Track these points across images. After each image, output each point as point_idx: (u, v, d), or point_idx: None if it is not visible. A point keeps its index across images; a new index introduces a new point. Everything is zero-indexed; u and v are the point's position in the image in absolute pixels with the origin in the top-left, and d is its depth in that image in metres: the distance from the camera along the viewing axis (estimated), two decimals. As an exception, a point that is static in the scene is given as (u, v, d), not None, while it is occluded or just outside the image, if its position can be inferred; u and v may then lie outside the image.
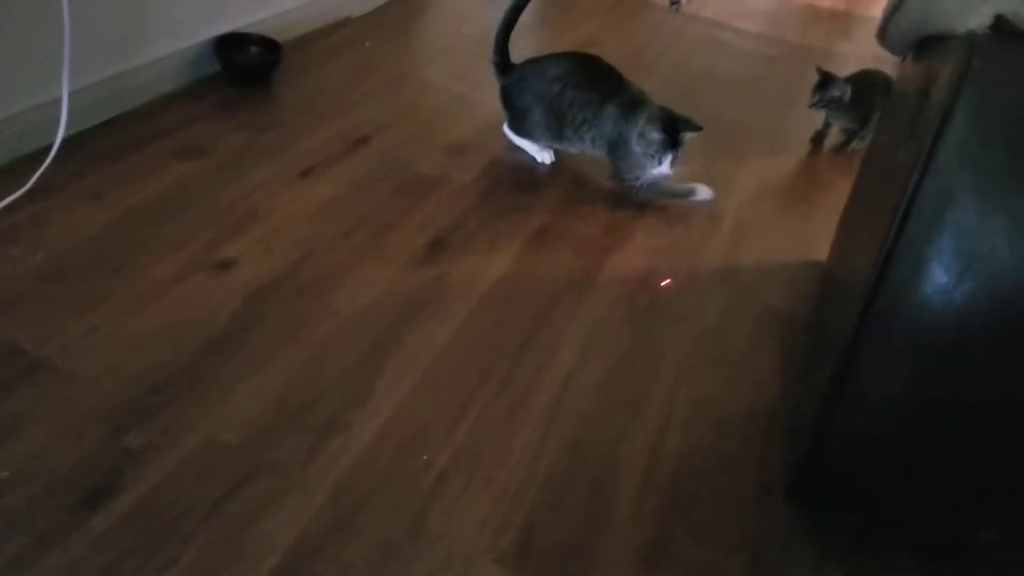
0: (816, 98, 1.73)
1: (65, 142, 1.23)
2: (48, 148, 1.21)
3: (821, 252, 1.40)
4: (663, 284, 1.30)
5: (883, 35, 0.97)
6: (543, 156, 1.54)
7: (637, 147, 1.41)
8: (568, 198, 1.48)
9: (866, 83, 1.76)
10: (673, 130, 1.39)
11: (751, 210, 1.57)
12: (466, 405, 1.00)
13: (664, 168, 1.42)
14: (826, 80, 1.73)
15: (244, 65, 1.58)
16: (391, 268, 1.20)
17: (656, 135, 1.38)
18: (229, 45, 1.57)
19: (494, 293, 1.20)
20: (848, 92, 1.72)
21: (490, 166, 1.52)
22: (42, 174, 1.19)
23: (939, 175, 0.63)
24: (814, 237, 1.52)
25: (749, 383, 1.14)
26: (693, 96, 2.03)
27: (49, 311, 1.01)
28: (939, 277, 0.63)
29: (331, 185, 1.36)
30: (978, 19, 0.71)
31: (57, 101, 1.21)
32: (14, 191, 1.15)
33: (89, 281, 1.07)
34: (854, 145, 1.82)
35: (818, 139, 1.86)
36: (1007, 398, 0.67)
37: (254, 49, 1.60)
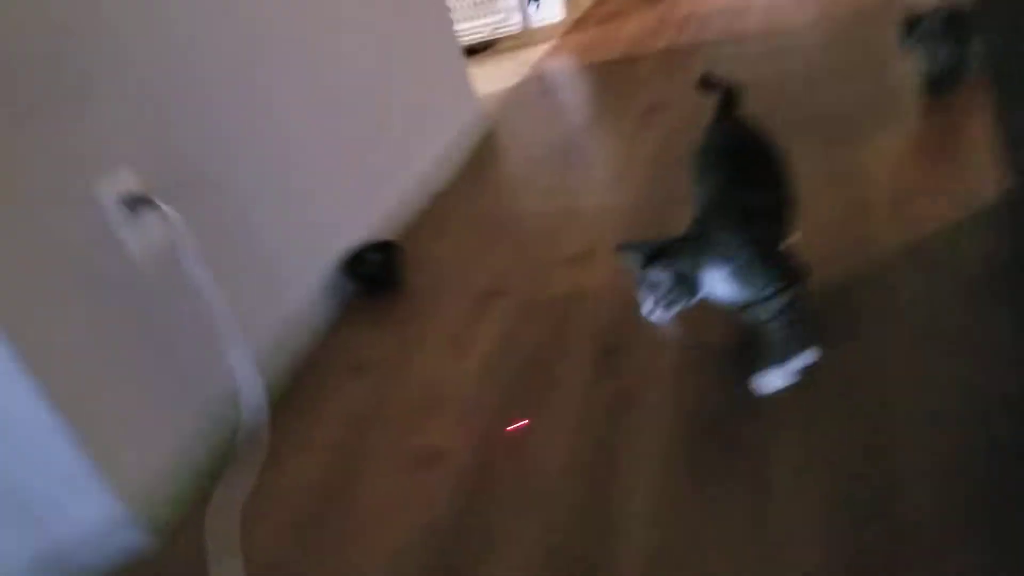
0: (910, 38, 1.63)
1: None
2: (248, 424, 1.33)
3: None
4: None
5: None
6: None
7: None
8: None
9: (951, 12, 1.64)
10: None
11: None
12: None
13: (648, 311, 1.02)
14: (913, 19, 1.64)
15: (376, 275, 1.69)
16: (573, 390, 1.20)
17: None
18: (354, 263, 1.69)
19: (683, 387, 1.16)
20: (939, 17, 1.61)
21: (614, 264, 1.52)
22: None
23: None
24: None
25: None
26: (792, 100, 1.97)
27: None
28: None
29: (489, 343, 1.40)
30: None
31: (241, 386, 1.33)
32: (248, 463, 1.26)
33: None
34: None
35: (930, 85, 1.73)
36: None
37: (376, 256, 1.71)
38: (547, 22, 3.42)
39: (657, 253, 0.99)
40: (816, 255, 1.15)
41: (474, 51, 3.47)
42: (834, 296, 1.20)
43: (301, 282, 1.59)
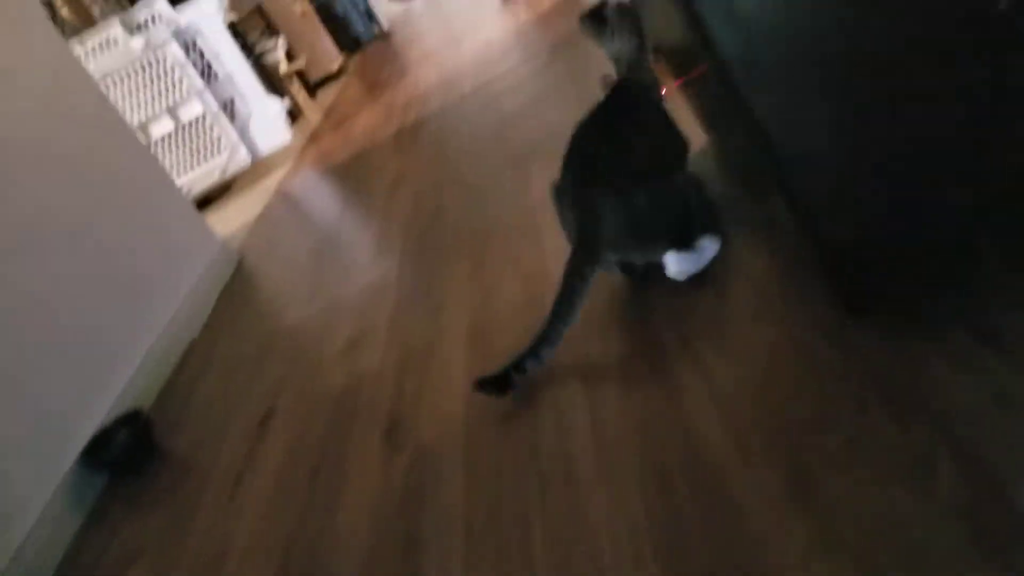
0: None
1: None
2: None
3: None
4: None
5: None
6: None
7: None
8: (478, 293, 1.35)
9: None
10: None
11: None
12: None
13: None
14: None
15: (120, 457, 1.43)
16: (370, 481, 1.03)
17: None
18: (96, 450, 1.43)
19: (473, 425, 1.03)
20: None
21: (389, 335, 1.39)
22: None
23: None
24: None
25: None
26: (503, 138, 1.99)
27: None
28: None
29: (261, 480, 1.20)
30: None
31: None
32: None
33: None
34: None
35: None
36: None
37: (121, 434, 1.45)
38: (277, 146, 3.34)
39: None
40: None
41: (211, 198, 3.30)
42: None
43: (34, 499, 1.31)
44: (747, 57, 0.60)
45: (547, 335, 1.00)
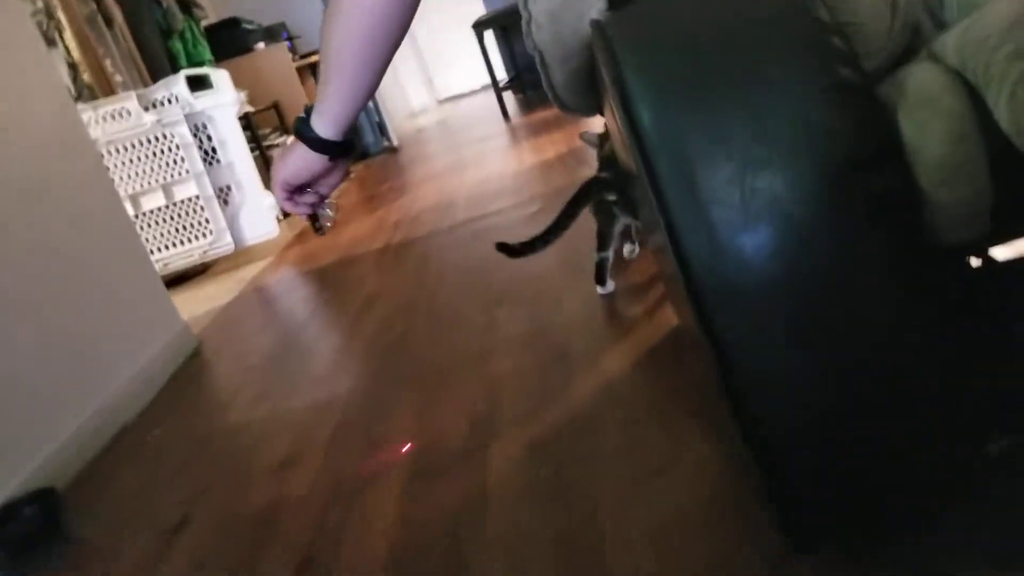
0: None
1: None
2: None
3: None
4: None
5: (558, 99, 0.96)
6: None
7: None
8: (420, 432, 1.33)
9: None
10: None
11: (588, 327, 1.51)
12: None
13: None
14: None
15: (21, 534, 1.36)
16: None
17: None
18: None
19: (390, 566, 0.99)
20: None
21: (326, 458, 1.36)
22: None
23: (651, 133, 0.56)
24: (662, 316, 1.48)
25: (691, 472, 0.99)
26: (481, 278, 2.03)
27: None
28: (726, 213, 0.54)
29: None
30: (595, 7, 0.71)
31: None
32: None
33: None
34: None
35: None
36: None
37: (27, 510, 1.38)
38: (263, 239, 3.37)
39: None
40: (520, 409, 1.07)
41: (186, 277, 3.29)
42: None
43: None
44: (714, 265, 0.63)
45: (557, 224, 1.55)
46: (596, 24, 0.64)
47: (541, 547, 0.95)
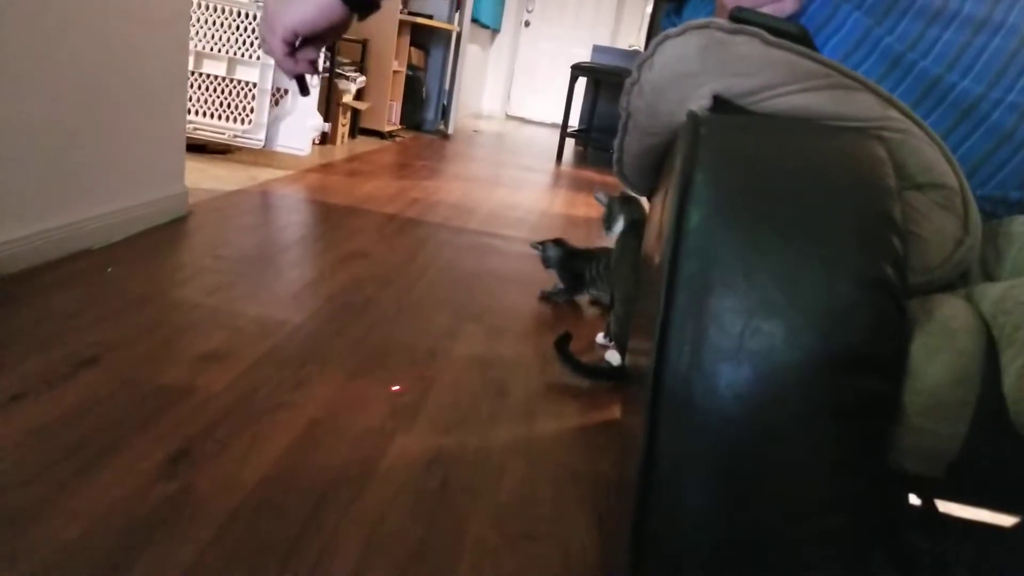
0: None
1: None
2: None
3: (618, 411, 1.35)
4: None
5: (620, 164, 0.99)
6: None
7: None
8: (342, 390, 1.34)
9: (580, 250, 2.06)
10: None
11: (538, 380, 1.53)
12: (211, 641, 0.77)
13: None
14: (543, 247, 2.08)
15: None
16: (117, 489, 0.97)
17: None
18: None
19: (251, 501, 1.00)
20: (561, 250, 2.04)
21: (250, 369, 1.36)
22: None
23: (693, 235, 0.59)
24: (610, 400, 1.51)
25: (559, 552, 1.01)
26: (466, 290, 2.06)
27: None
28: (721, 340, 0.56)
29: (45, 410, 1.12)
30: (699, 101, 0.73)
31: None
32: None
33: None
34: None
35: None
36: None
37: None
38: (292, 152, 3.38)
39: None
40: (440, 420, 1.08)
41: (205, 149, 3.30)
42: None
43: None
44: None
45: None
46: (693, 116, 0.67)
47: (398, 546, 0.96)
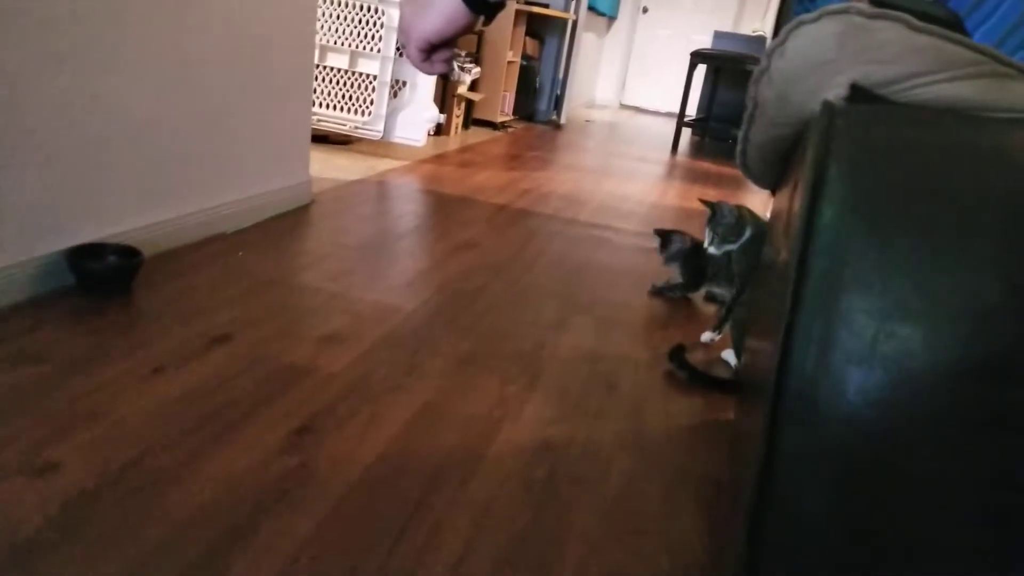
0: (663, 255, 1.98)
1: None
2: None
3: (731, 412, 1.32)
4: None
5: (744, 155, 0.96)
6: None
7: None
8: (453, 377, 1.38)
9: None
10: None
11: (648, 377, 1.51)
12: (328, 609, 0.81)
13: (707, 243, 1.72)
14: (665, 238, 1.99)
15: (99, 273, 1.48)
16: (245, 459, 1.04)
17: None
18: (84, 255, 1.48)
19: (367, 478, 1.04)
20: (688, 242, 1.93)
21: (367, 352, 1.42)
22: None
23: (825, 231, 0.56)
24: (722, 400, 1.47)
25: (666, 550, 0.99)
26: (576, 282, 2.05)
27: None
28: (852, 343, 0.54)
29: (183, 382, 1.21)
30: (834, 90, 0.70)
31: None
32: None
33: None
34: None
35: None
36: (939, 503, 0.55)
37: (111, 258, 1.50)
38: (408, 143, 3.48)
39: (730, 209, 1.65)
40: (547, 412, 1.09)
41: (327, 140, 3.44)
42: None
43: (12, 249, 1.35)
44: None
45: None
46: (828, 106, 0.64)
47: (504, 531, 0.98)
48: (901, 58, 0.67)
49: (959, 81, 0.66)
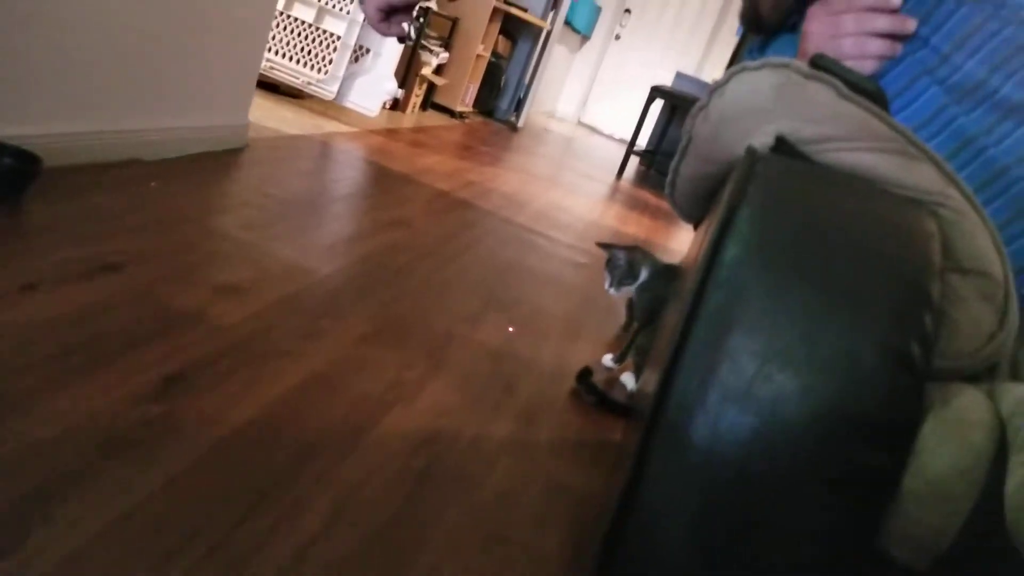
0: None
1: None
2: None
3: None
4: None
5: (672, 186, 0.96)
6: None
7: None
8: (352, 351, 1.33)
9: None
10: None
11: (549, 386, 1.50)
12: (157, 567, 0.76)
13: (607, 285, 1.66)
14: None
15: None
16: (104, 399, 0.97)
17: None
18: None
19: (233, 441, 0.99)
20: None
21: (265, 310, 1.36)
22: None
23: (726, 268, 0.56)
24: (616, 422, 1.47)
25: (527, 562, 0.97)
26: (500, 280, 2.03)
27: None
28: (732, 380, 0.53)
29: (56, 305, 1.13)
30: (761, 138, 0.71)
31: None
32: None
33: None
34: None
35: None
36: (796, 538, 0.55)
37: (5, 159, 1.40)
38: (361, 109, 3.40)
39: (623, 248, 1.65)
40: (441, 402, 1.06)
41: (276, 90, 3.33)
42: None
43: None
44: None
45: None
46: (752, 151, 0.64)
47: (368, 517, 0.94)
48: (827, 120, 0.68)
49: (874, 152, 0.68)
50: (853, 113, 0.69)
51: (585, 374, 1.54)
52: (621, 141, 8.13)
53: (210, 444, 0.96)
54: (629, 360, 1.69)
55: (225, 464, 0.94)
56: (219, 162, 2.11)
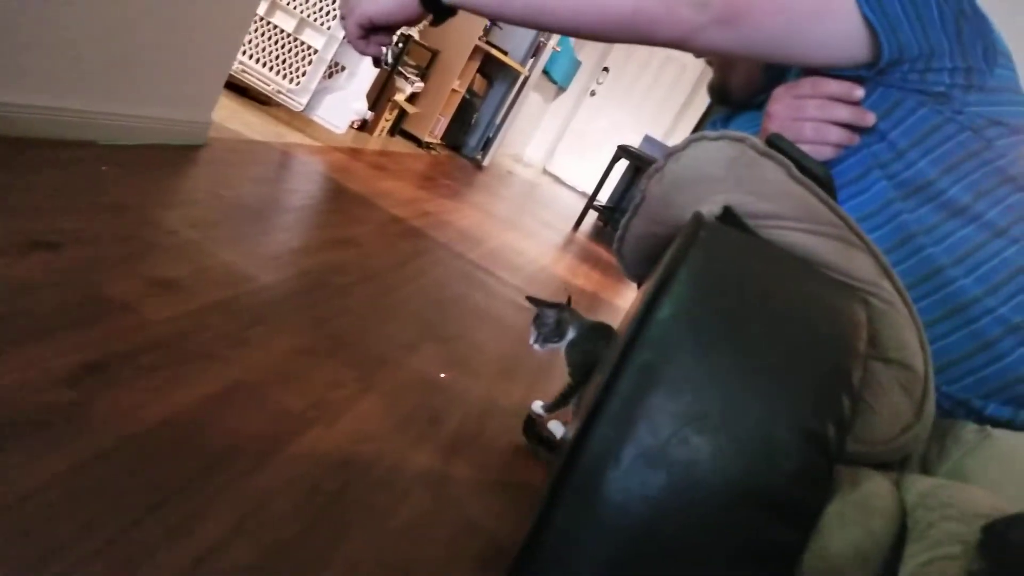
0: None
1: None
2: None
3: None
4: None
5: (621, 242, 0.98)
6: None
7: None
8: (281, 364, 1.31)
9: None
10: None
11: (476, 423, 1.49)
12: (47, 558, 0.72)
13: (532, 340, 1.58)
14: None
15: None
16: (16, 377, 0.93)
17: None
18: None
19: (144, 439, 0.96)
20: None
21: (198, 311, 1.33)
22: None
23: (657, 326, 0.57)
24: (540, 468, 1.47)
25: (430, 598, 0.96)
26: (442, 313, 2.03)
27: None
28: (648, 439, 0.54)
29: (-21, 276, 1.09)
30: (710, 206, 0.73)
31: None
32: None
33: None
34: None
35: None
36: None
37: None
38: (328, 125, 3.39)
39: (551, 306, 1.55)
40: (361, 429, 1.04)
41: (245, 94, 3.30)
42: (353, 465, 1.11)
43: None
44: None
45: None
46: (698, 218, 0.66)
47: (270, 534, 0.92)
48: (775, 198, 0.71)
49: (815, 236, 0.71)
50: (800, 195, 0.72)
51: (530, 423, 1.54)
52: (583, 194, 8.27)
53: (119, 439, 0.93)
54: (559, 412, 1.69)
55: (131, 461, 0.91)
56: (175, 156, 2.07)
